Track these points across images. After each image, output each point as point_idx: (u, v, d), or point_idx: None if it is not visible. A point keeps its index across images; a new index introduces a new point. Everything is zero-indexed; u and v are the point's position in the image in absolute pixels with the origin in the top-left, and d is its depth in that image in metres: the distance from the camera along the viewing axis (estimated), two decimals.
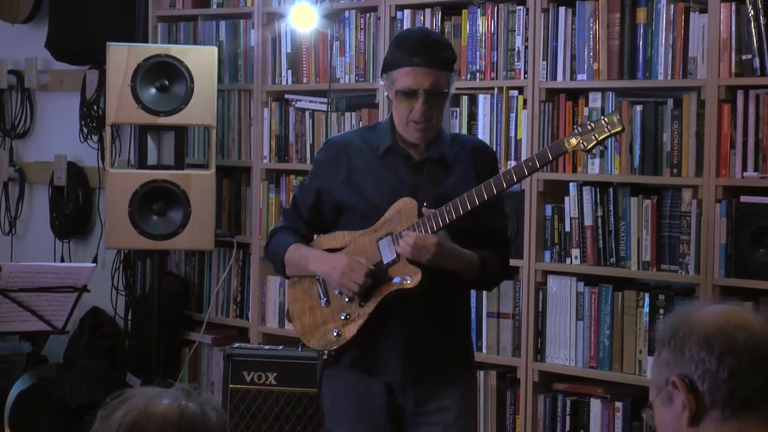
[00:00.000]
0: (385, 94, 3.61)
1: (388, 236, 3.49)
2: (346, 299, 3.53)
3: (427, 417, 3.55)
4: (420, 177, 3.53)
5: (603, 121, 3.40)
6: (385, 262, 3.49)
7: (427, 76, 3.43)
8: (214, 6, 5.69)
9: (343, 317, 3.53)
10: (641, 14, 4.39)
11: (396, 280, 3.47)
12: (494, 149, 4.68)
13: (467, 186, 3.46)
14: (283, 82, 5.41)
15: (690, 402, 1.89)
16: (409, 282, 3.45)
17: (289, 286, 3.73)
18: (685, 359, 1.91)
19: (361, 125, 5.00)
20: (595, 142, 3.40)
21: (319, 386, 3.68)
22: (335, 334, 3.54)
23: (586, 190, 4.50)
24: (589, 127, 3.41)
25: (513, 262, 4.58)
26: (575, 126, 3.47)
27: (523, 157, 4.61)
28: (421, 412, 3.55)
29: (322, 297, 3.59)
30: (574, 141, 3.41)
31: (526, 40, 4.64)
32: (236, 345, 4.84)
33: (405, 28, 4.88)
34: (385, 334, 3.51)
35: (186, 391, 1.93)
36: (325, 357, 3.59)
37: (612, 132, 3.39)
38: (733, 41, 4.18)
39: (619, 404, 4.43)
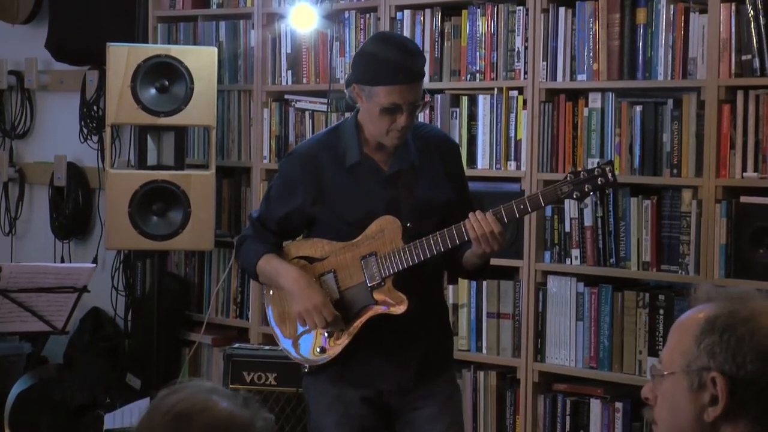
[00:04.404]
0: (348, 96, 3.53)
1: (371, 256, 3.47)
2: None
3: (419, 401, 3.56)
4: (395, 190, 3.51)
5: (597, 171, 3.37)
6: (369, 284, 3.48)
7: (411, 91, 3.41)
8: (214, 6, 5.68)
9: (326, 334, 3.52)
10: (641, 14, 4.39)
11: (383, 307, 3.46)
12: (493, 149, 4.70)
13: (440, 190, 3.52)
14: (283, 83, 5.40)
15: (725, 405, 1.82)
16: (396, 310, 3.45)
17: (266, 287, 3.69)
18: (736, 362, 1.82)
19: None
20: (587, 193, 3.39)
21: (303, 385, 3.69)
22: (318, 350, 3.53)
23: None
24: (582, 176, 3.38)
25: (513, 263, 4.61)
26: (569, 173, 3.43)
27: (523, 158, 4.63)
28: (411, 398, 3.56)
29: None
30: (565, 189, 3.38)
31: (526, 40, 4.64)
32: (236, 345, 4.84)
33: (398, 30, 4.88)
34: (374, 347, 3.51)
35: (245, 398, 1.94)
36: (306, 370, 3.60)
37: (605, 185, 3.39)
38: (733, 41, 4.18)
39: (619, 405, 4.43)
